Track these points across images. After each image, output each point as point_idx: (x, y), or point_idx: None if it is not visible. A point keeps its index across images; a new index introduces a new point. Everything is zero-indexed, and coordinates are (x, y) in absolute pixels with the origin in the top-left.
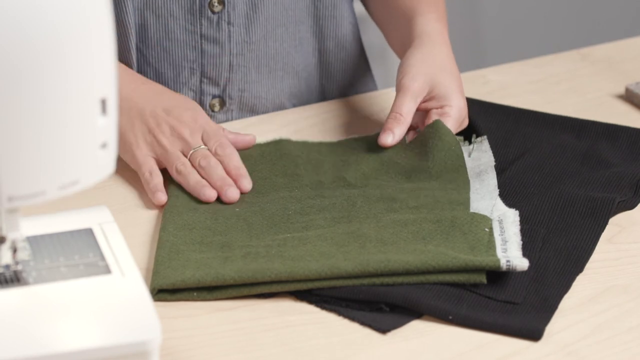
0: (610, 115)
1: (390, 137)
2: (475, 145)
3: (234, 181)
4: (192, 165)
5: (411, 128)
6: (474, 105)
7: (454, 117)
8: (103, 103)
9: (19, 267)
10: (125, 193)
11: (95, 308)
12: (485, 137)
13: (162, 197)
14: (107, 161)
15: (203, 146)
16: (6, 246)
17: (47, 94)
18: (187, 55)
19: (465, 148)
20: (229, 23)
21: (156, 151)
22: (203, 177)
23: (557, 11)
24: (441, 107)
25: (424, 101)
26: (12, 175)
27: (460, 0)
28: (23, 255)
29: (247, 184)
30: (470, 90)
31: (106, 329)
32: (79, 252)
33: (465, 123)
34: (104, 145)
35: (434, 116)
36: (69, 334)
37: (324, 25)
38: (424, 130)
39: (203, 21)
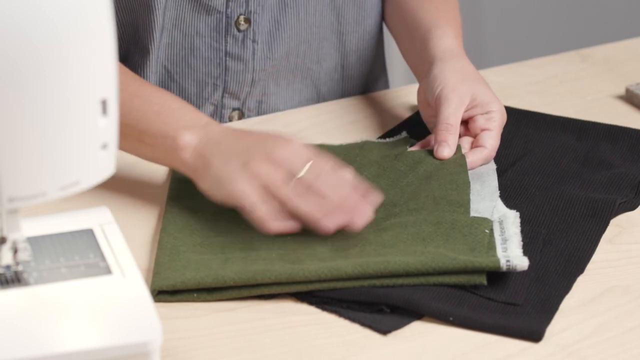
0: (610, 116)
1: (447, 149)
2: None
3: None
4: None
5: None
6: None
7: (499, 122)
8: (104, 104)
9: (20, 268)
10: (126, 194)
11: (96, 309)
12: None
13: (278, 226)
14: (108, 162)
15: (308, 166)
16: (7, 247)
17: (47, 95)
18: (211, 72)
19: None
20: (253, 41)
21: (257, 180)
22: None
23: (557, 12)
24: (487, 112)
25: (466, 110)
26: (13, 176)
27: (460, 1)
28: (24, 256)
29: (376, 197)
30: None
31: (107, 330)
32: (79, 253)
33: None
34: (104, 146)
35: (480, 121)
36: (70, 334)
37: (346, 40)
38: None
39: (229, 39)
